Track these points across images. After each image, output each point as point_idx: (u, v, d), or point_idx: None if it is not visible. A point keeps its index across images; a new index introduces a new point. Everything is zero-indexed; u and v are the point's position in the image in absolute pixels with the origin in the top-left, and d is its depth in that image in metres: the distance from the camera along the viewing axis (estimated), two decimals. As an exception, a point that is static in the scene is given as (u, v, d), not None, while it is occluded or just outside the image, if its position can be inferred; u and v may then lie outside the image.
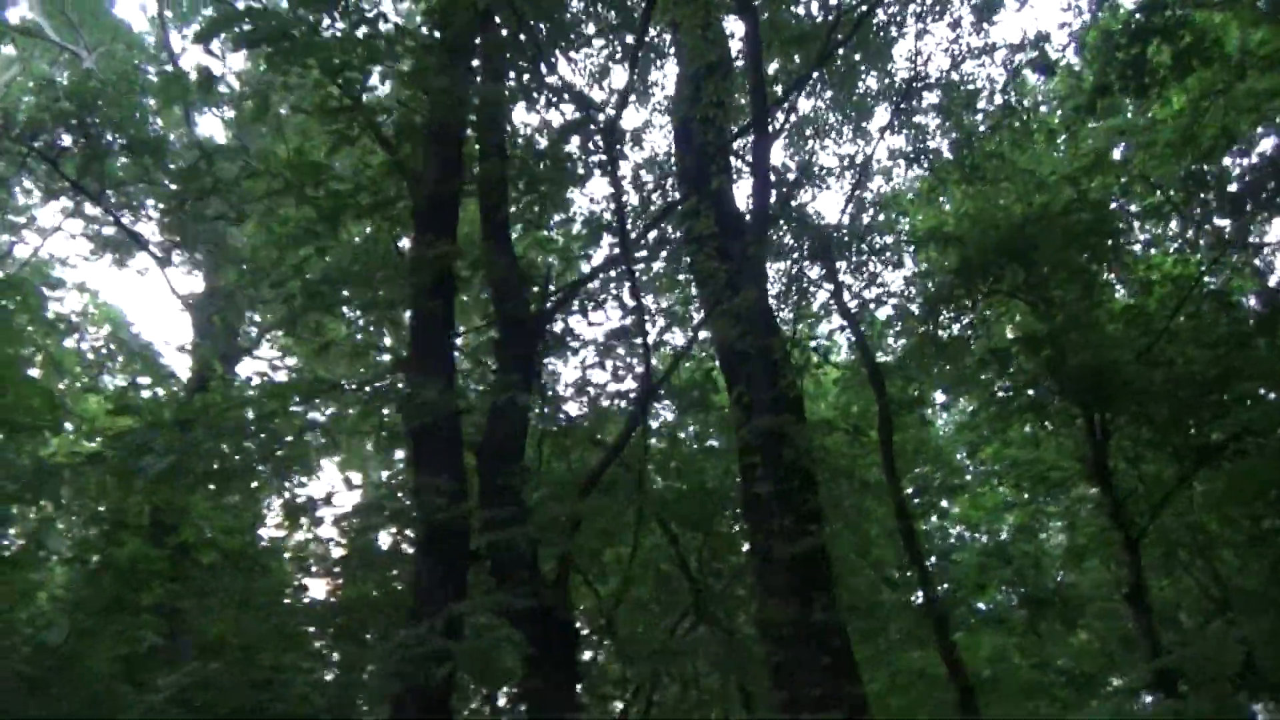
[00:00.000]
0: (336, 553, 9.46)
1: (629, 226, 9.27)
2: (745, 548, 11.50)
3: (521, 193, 8.71)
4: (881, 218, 13.96)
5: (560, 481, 8.70)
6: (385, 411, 8.89)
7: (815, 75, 12.16)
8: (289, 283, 8.78)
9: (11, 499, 9.44)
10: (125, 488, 9.92)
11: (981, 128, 13.02)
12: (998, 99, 12.86)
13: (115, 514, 10.63)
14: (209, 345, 14.27)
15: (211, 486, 9.91)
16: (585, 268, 11.57)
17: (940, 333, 12.82)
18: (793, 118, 13.21)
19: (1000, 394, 13.29)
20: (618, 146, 8.45)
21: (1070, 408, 12.81)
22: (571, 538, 6.91)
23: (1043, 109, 15.05)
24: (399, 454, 12.45)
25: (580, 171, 8.71)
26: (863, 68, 13.28)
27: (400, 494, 9.58)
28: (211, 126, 27.43)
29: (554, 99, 8.66)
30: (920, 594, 12.23)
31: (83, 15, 18.51)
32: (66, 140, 12.10)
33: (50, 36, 17.78)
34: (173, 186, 13.11)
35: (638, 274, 9.54)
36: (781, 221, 11.64)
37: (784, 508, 8.66)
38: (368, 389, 8.14)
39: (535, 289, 8.26)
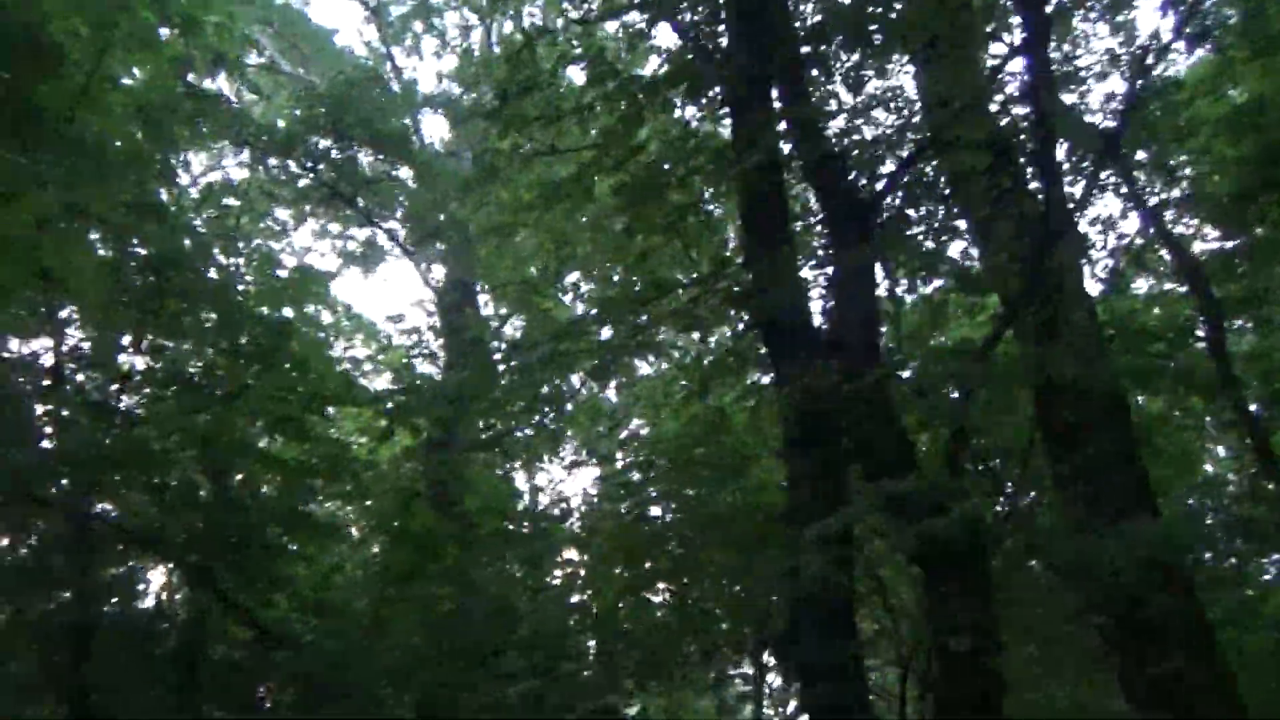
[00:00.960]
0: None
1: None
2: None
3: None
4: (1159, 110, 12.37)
5: (947, 351, 7.79)
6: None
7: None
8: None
9: (313, 473, 9.93)
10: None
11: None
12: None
13: (406, 488, 11.05)
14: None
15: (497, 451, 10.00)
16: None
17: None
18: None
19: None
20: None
21: None
22: (964, 412, 6.09)
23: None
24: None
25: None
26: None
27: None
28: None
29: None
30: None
31: (311, 50, 19.85)
32: (323, 143, 12.84)
33: (287, 70, 19.14)
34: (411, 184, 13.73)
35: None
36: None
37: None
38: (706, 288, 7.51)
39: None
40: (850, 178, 6.84)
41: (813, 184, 7.01)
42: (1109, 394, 7.30)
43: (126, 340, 10.19)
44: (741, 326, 8.04)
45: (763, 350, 7.57)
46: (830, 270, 6.99)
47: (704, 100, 7.36)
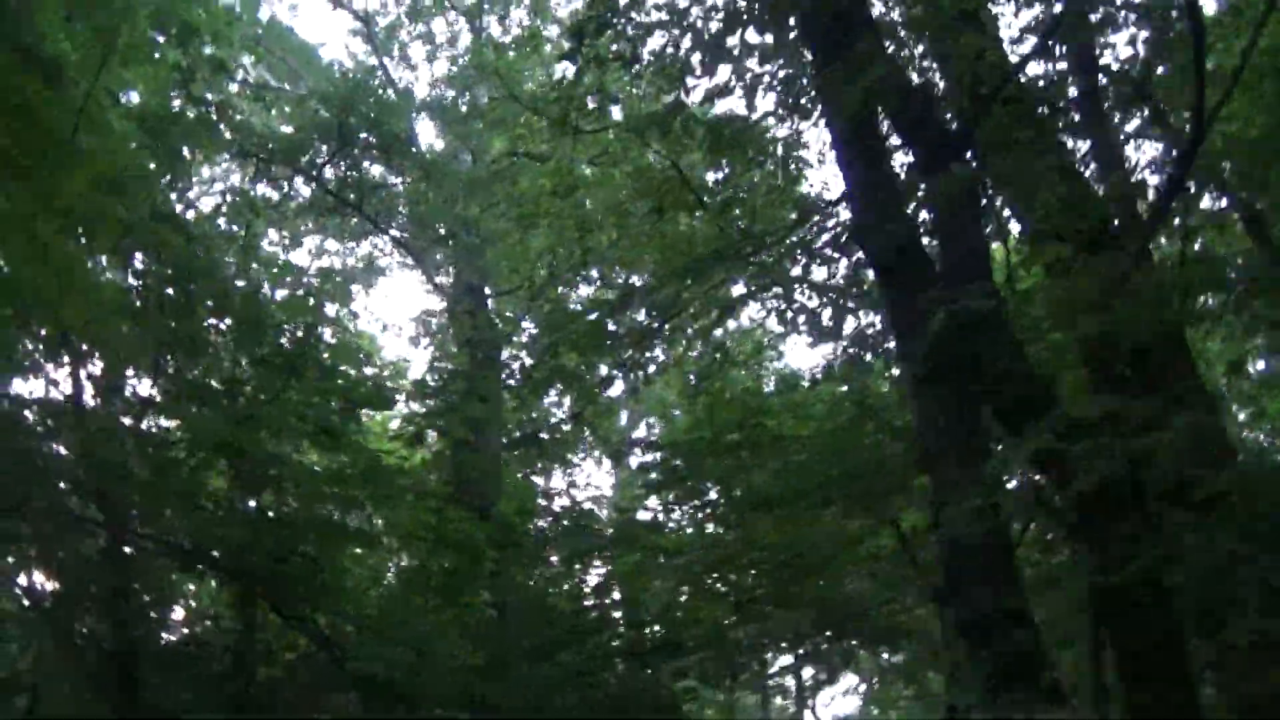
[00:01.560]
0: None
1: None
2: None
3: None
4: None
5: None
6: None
7: None
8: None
9: (348, 482, 9.68)
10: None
11: None
12: None
13: (440, 493, 10.80)
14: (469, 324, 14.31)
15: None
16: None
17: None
18: None
19: None
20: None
21: None
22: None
23: None
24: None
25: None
26: None
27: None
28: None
29: None
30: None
31: (299, 63, 19.62)
32: (327, 149, 12.61)
33: (275, 85, 18.90)
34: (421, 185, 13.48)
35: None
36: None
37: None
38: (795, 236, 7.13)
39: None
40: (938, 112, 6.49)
41: (902, 118, 6.60)
42: (1171, 336, 7.05)
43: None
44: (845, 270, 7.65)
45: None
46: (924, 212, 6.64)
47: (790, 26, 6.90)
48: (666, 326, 8.85)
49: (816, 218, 7.40)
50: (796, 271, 8.40)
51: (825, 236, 7.48)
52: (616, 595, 11.63)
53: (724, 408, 10.14)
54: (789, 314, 8.67)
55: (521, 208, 10.27)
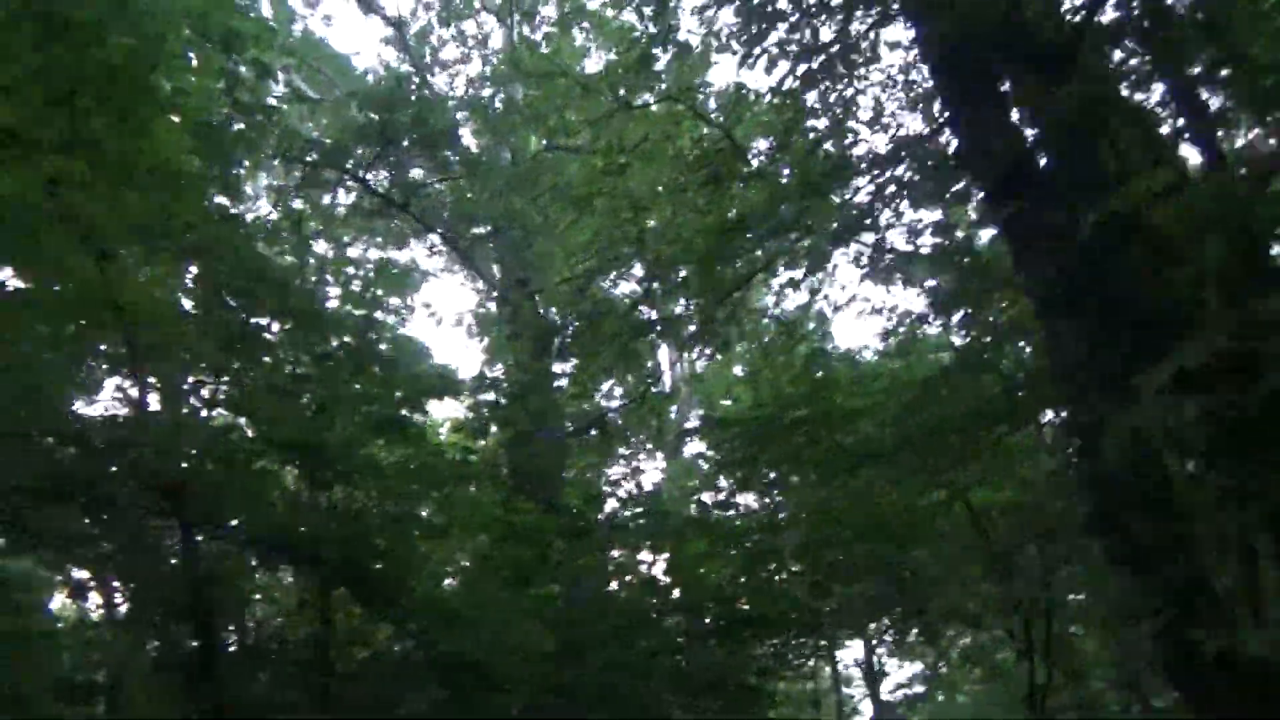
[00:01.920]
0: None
1: None
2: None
3: None
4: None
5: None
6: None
7: None
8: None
9: (416, 476, 9.65)
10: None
11: None
12: None
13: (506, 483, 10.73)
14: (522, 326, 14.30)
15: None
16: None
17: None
18: None
19: None
20: None
21: None
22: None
23: None
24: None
25: None
26: None
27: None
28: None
29: None
30: None
31: (333, 72, 19.77)
32: (372, 150, 12.62)
33: (312, 96, 19.05)
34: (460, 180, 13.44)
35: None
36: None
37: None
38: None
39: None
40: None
41: (999, 42, 6.25)
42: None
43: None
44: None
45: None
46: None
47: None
48: (733, 296, 8.68)
49: (904, 154, 7.09)
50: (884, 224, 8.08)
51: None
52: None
53: (791, 383, 9.95)
54: (880, 262, 8.37)
55: (575, 189, 10.15)
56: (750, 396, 10.41)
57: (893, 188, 7.13)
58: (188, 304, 10.32)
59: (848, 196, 7.41)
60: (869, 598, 9.80)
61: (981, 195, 6.56)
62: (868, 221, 7.46)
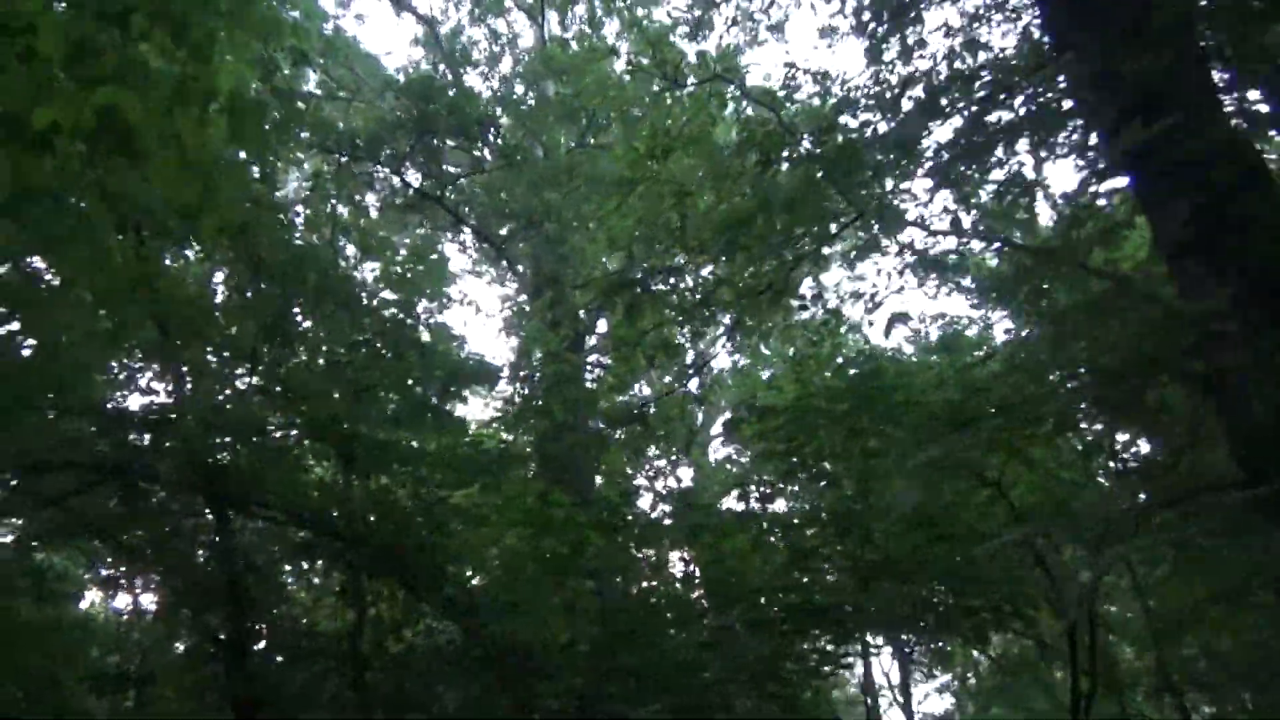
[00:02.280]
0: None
1: None
2: None
3: None
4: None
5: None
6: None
7: None
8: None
9: (453, 465, 9.47)
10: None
11: None
12: None
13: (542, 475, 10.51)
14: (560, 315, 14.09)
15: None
16: None
17: None
18: None
19: None
20: None
21: None
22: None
23: None
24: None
25: None
26: None
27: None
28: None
29: None
30: None
31: (364, 72, 19.77)
32: (406, 143, 12.51)
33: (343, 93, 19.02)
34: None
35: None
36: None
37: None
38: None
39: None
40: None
41: None
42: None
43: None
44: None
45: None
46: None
47: None
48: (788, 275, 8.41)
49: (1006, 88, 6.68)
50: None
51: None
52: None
53: (834, 374, 9.69)
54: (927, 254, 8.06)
55: (617, 173, 9.94)
56: (794, 389, 10.13)
57: (982, 137, 6.73)
58: (221, 289, 10.25)
59: (929, 150, 7.07)
60: (919, 594, 9.47)
61: (1098, 135, 6.04)
62: (951, 177, 7.08)
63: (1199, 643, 13.21)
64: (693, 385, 16.83)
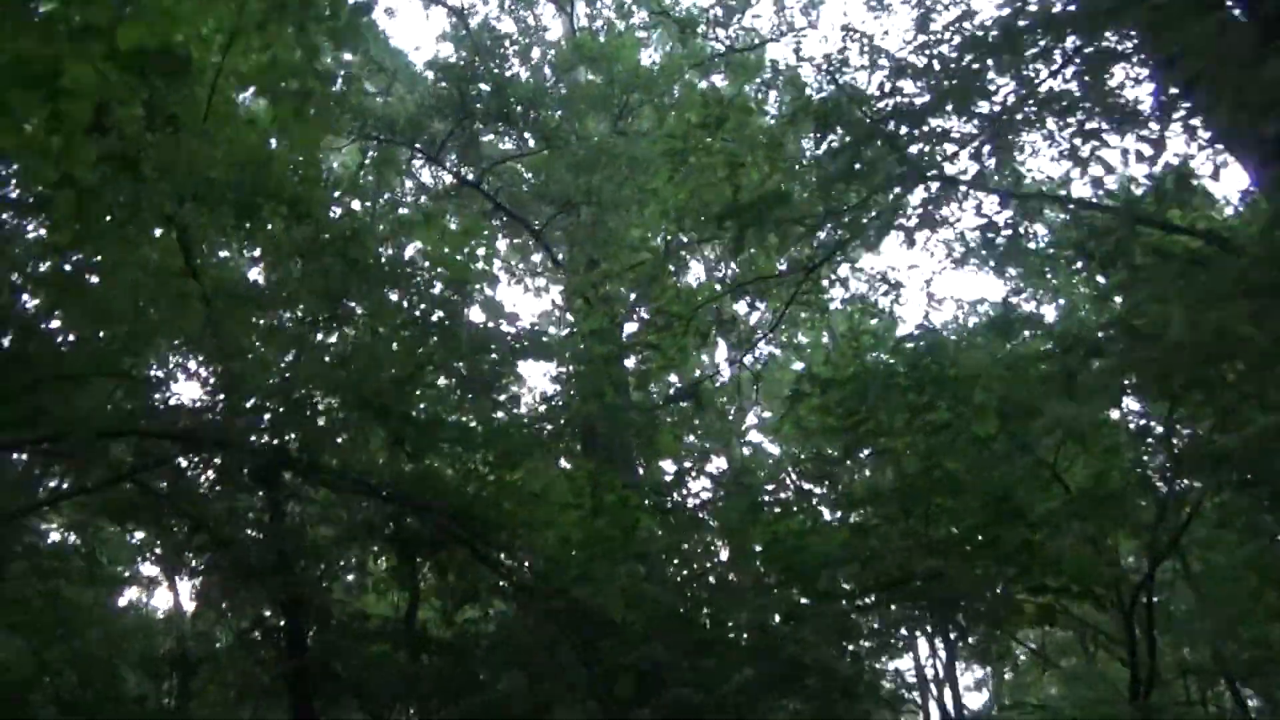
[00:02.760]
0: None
1: None
2: None
3: None
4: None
5: None
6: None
7: None
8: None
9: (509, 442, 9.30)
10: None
11: None
12: None
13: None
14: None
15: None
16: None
17: None
18: None
19: None
20: None
21: None
22: None
23: None
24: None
25: None
26: None
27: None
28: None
29: None
30: None
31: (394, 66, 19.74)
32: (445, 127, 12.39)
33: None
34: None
35: None
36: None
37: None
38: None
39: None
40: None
41: None
42: None
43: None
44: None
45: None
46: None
47: None
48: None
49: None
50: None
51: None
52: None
53: (892, 353, 9.47)
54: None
55: (668, 141, 9.74)
56: (853, 364, 9.90)
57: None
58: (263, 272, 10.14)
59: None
60: (988, 571, 9.22)
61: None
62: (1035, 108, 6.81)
63: (1251, 634, 12.92)
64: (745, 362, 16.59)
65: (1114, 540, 10.19)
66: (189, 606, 12.99)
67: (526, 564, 7.78)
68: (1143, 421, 10.31)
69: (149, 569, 11.88)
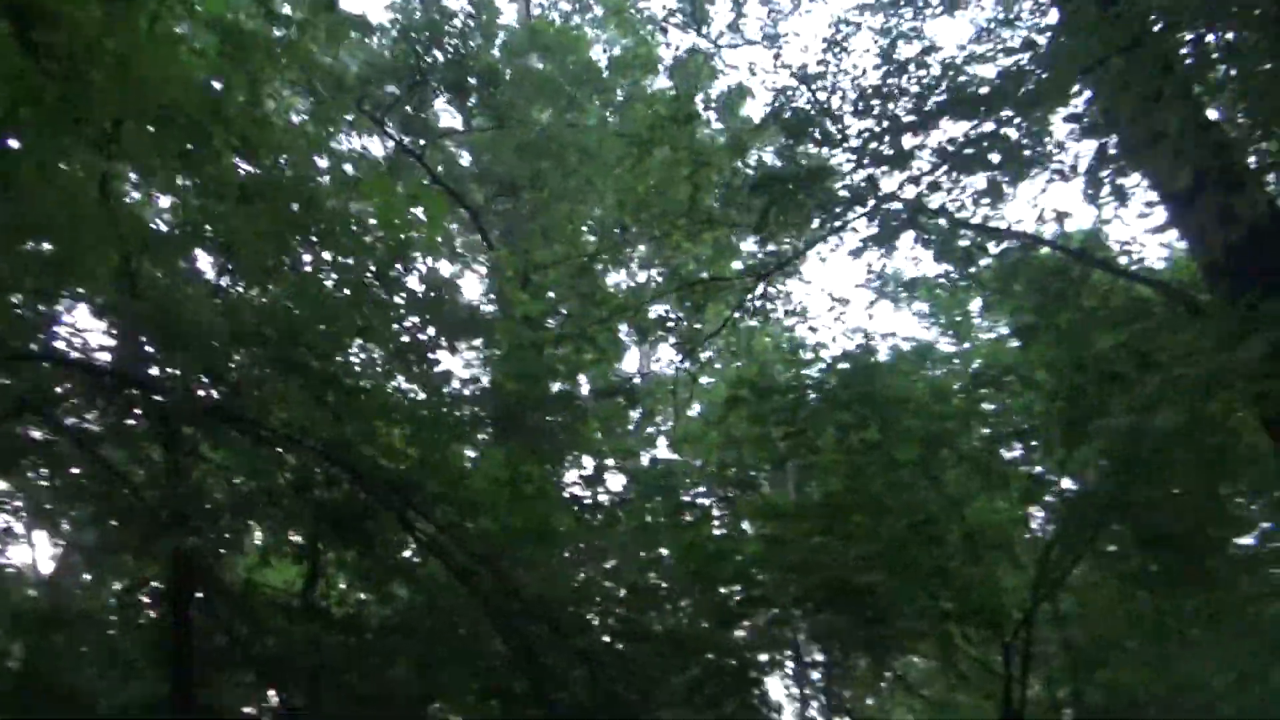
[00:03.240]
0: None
1: None
2: None
3: None
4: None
5: None
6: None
7: None
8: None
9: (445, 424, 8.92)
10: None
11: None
12: None
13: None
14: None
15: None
16: None
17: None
18: None
19: None
20: None
21: None
22: None
23: None
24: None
25: None
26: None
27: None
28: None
29: None
30: None
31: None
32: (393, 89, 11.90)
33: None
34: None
35: None
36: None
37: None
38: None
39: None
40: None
41: None
42: None
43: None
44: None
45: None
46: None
47: None
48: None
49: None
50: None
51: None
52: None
53: (833, 366, 9.50)
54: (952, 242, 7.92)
55: (637, 132, 9.57)
56: (793, 376, 9.91)
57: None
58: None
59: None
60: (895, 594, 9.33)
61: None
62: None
63: (1111, 679, 13.50)
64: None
65: (1001, 573, 10.49)
66: (47, 566, 12.04)
67: (461, 541, 7.39)
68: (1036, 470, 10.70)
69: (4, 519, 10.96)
